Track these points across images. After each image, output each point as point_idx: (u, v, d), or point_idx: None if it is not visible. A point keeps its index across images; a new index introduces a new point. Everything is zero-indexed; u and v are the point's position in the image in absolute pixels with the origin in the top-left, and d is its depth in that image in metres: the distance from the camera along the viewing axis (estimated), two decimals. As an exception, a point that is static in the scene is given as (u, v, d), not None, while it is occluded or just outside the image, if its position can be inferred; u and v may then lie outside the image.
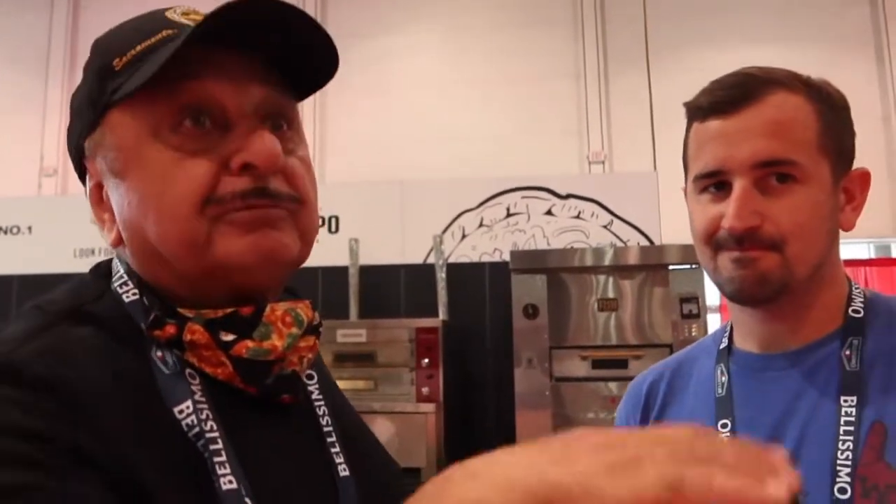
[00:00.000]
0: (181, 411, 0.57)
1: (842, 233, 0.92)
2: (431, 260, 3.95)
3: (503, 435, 3.48)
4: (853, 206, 0.89)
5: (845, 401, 0.81)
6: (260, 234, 0.61)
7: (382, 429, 3.12)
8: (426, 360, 3.36)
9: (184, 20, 0.63)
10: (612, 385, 3.16)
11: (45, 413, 0.51)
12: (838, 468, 0.78)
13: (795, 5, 5.25)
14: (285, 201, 0.62)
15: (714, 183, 0.87)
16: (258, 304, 0.63)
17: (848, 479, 0.77)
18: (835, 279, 0.89)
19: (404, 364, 3.42)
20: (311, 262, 0.69)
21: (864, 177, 0.90)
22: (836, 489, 0.77)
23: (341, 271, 3.90)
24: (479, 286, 3.96)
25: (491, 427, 3.80)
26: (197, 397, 0.58)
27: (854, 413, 0.80)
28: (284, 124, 0.65)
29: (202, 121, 0.61)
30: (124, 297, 0.63)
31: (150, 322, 0.60)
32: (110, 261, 0.68)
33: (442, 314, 3.74)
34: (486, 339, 3.90)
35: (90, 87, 0.65)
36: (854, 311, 0.87)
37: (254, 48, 0.63)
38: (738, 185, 0.83)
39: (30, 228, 4.42)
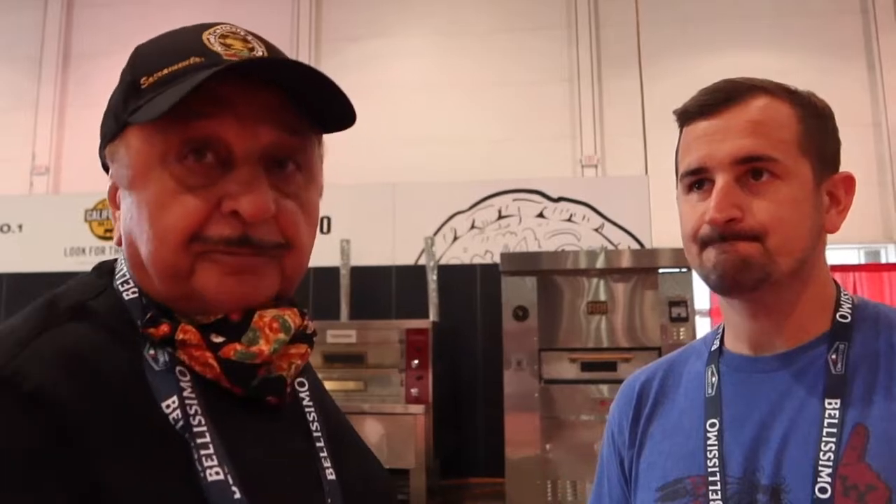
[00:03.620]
0: (168, 406, 0.60)
1: (832, 238, 0.94)
2: (423, 261, 3.95)
3: (492, 437, 3.49)
4: (839, 209, 0.92)
5: (829, 403, 0.83)
6: (239, 278, 0.64)
7: (371, 430, 3.12)
8: (416, 362, 3.36)
9: (217, 47, 0.65)
10: (602, 387, 3.17)
11: (32, 427, 0.53)
12: (820, 468, 0.80)
13: (788, 13, 5.29)
14: (269, 249, 0.65)
15: (697, 180, 0.90)
16: (246, 310, 0.66)
17: (828, 479, 0.79)
18: (821, 281, 0.92)
19: (394, 365, 3.42)
20: (302, 262, 0.70)
21: (849, 181, 0.93)
22: (817, 488, 0.79)
23: (332, 272, 3.91)
24: (470, 288, 3.97)
25: (480, 429, 3.81)
26: (186, 393, 0.62)
27: (837, 415, 0.82)
28: (291, 164, 0.67)
29: (206, 155, 0.63)
30: (124, 294, 0.67)
31: (146, 320, 0.63)
32: (114, 260, 0.72)
33: (432, 315, 3.75)
34: (475, 340, 3.90)
35: (117, 98, 0.68)
36: (842, 316, 0.90)
37: (275, 82, 0.65)
38: (719, 180, 0.86)
39: (20, 227, 4.40)
